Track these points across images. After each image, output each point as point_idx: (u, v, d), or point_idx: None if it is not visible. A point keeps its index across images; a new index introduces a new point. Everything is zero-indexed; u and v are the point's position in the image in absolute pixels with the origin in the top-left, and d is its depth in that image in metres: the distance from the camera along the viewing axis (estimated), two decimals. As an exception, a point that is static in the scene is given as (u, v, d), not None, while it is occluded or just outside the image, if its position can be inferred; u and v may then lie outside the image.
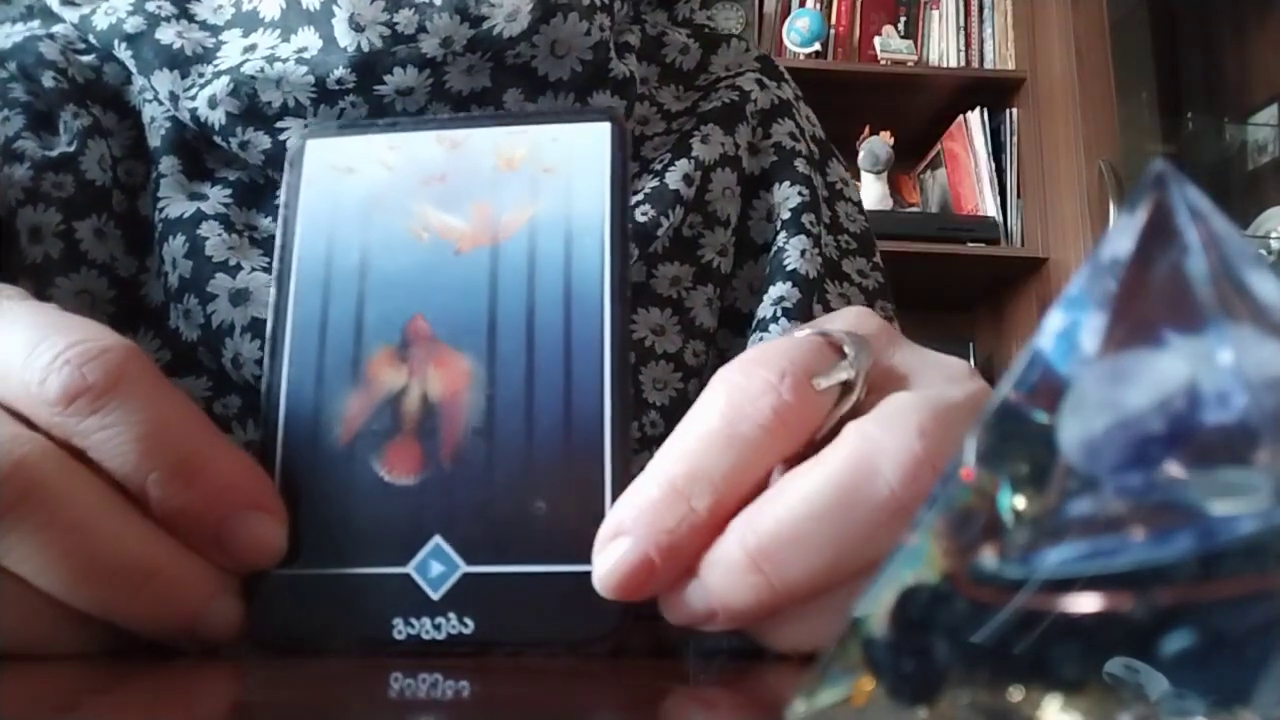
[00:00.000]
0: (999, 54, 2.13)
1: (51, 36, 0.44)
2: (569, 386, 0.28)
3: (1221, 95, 2.29)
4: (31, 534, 0.23)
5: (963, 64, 2.14)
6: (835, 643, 0.16)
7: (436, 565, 0.27)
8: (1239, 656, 0.14)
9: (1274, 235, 2.00)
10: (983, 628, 0.15)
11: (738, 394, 0.26)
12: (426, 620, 0.26)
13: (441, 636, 0.26)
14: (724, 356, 0.27)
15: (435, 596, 0.26)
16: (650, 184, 0.45)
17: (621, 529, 0.25)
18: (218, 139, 0.42)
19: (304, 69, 0.40)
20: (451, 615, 0.26)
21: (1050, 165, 2.01)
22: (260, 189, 0.43)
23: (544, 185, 0.30)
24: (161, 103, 0.43)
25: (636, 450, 0.41)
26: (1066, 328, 0.16)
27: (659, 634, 0.31)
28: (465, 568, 0.27)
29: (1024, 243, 2.03)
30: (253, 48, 0.42)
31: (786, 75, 0.54)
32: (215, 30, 0.44)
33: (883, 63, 2.11)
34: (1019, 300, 2.07)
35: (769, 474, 0.26)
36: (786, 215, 0.47)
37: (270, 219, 0.43)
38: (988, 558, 0.15)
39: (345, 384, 0.28)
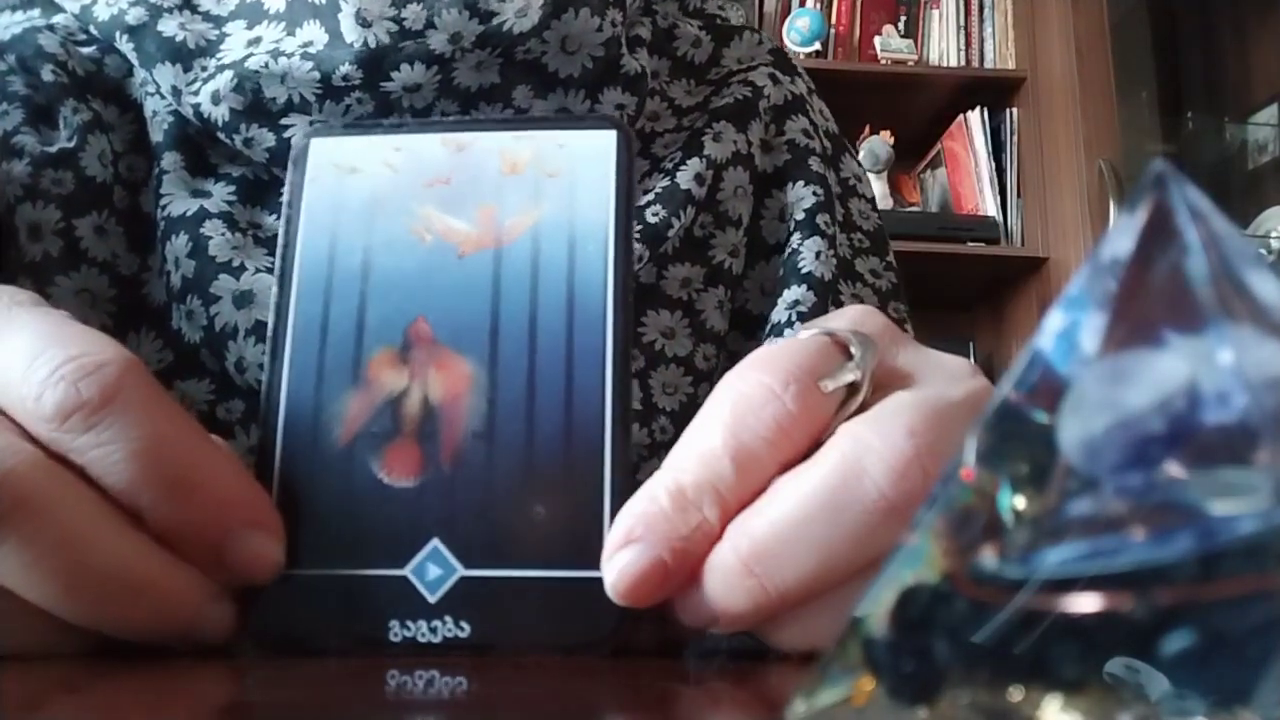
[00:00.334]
0: (999, 53, 2.13)
1: (51, 28, 0.43)
2: (570, 391, 0.28)
3: (1221, 95, 2.29)
4: (19, 549, 0.23)
5: (963, 63, 2.14)
6: (835, 643, 0.16)
7: (434, 568, 0.27)
8: (1239, 656, 0.14)
9: (1274, 235, 2.00)
10: (983, 628, 0.15)
11: (742, 404, 0.26)
12: (423, 623, 0.26)
13: (438, 640, 0.26)
14: (734, 360, 0.27)
15: (432, 599, 0.26)
16: (661, 183, 0.45)
17: (632, 536, 0.25)
18: (221, 135, 0.41)
19: (309, 65, 0.40)
20: (448, 618, 0.26)
21: (1050, 165, 2.01)
22: (265, 185, 0.43)
23: (548, 190, 0.30)
24: (164, 97, 0.42)
25: (646, 456, 0.41)
26: (1066, 328, 0.16)
27: (659, 634, 0.31)
28: (463, 571, 0.26)
29: (1024, 242, 2.03)
30: (257, 41, 0.42)
31: (800, 68, 0.53)
32: (219, 21, 0.43)
33: (883, 62, 2.11)
34: (1019, 300, 2.07)
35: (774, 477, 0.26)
36: (801, 216, 0.47)
37: (275, 217, 0.42)
38: (988, 558, 0.15)
39: (346, 385, 0.28)
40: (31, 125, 0.41)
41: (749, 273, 0.47)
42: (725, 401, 0.26)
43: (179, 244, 0.40)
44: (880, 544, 0.24)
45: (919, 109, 2.15)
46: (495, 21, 0.40)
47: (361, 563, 0.27)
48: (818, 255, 0.45)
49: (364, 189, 0.31)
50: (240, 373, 0.39)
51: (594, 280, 0.29)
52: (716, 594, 0.25)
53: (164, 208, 0.41)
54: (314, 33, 0.41)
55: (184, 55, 0.41)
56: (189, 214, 0.41)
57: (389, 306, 0.29)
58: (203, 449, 0.26)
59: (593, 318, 0.28)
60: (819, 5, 2.15)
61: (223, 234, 0.40)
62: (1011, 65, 2.11)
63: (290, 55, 0.40)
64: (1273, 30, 2.16)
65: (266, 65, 0.40)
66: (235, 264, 0.40)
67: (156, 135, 0.43)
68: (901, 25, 2.18)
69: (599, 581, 0.25)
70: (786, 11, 2.14)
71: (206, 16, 0.43)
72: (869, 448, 0.24)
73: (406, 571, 0.27)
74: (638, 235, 0.43)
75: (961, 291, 2.14)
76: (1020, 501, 0.15)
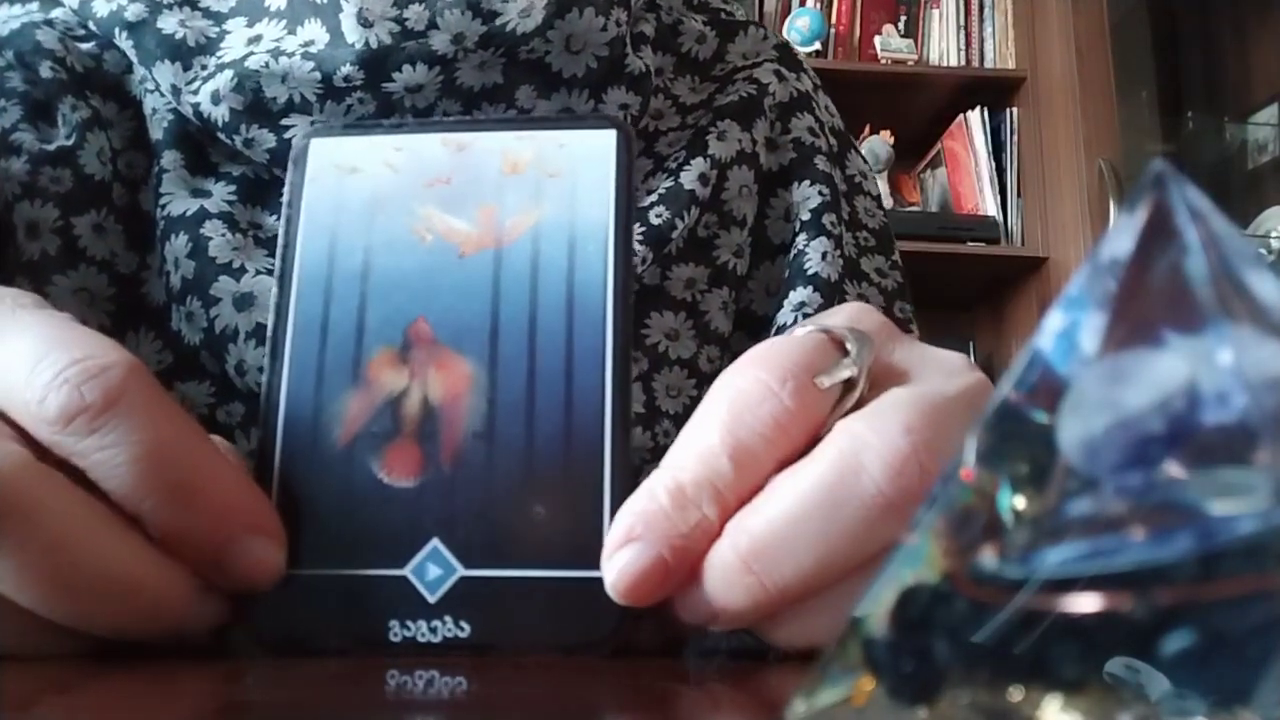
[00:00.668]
0: (999, 53, 2.13)
1: (50, 23, 0.43)
2: (570, 392, 0.28)
3: (1221, 95, 2.29)
4: (8, 554, 0.23)
5: (963, 63, 2.14)
6: (835, 642, 0.16)
7: (434, 568, 0.27)
8: (1239, 656, 0.14)
9: (1274, 235, 2.00)
10: (983, 628, 0.15)
11: (739, 401, 0.26)
12: (423, 623, 0.26)
13: (437, 640, 0.26)
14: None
15: (432, 599, 0.26)
16: (665, 184, 0.44)
17: (632, 535, 0.25)
18: (221, 135, 0.41)
19: (310, 65, 0.39)
20: (448, 618, 0.26)
21: (1050, 165, 2.01)
22: (265, 185, 0.42)
23: (549, 190, 0.30)
24: (163, 95, 0.42)
25: (649, 460, 0.41)
26: (1066, 328, 0.16)
27: (659, 634, 0.31)
28: (463, 571, 0.26)
29: (1024, 242, 2.03)
30: (257, 39, 0.41)
31: (805, 65, 0.53)
32: (219, 18, 0.43)
33: (883, 62, 2.11)
34: (1019, 300, 2.07)
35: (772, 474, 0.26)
36: (807, 216, 0.46)
37: (275, 217, 0.42)
38: (988, 558, 0.15)
39: (346, 385, 0.28)
40: (30, 122, 0.41)
41: (754, 273, 0.47)
42: (723, 399, 0.26)
43: (179, 244, 0.40)
44: (878, 540, 0.24)
45: (919, 109, 2.15)
46: (498, 22, 0.39)
47: (361, 563, 0.27)
48: (824, 256, 0.45)
49: (364, 189, 0.31)
50: (240, 375, 0.39)
51: (594, 280, 0.29)
52: (716, 591, 0.25)
53: (164, 207, 0.41)
54: (315, 32, 0.40)
55: (184, 53, 0.41)
56: (189, 214, 0.40)
57: (389, 306, 0.29)
58: (205, 454, 0.26)
59: (593, 318, 0.28)
60: (819, 5, 2.15)
61: (223, 234, 0.40)
62: (1011, 65, 2.11)
63: (291, 55, 0.40)
64: (1273, 30, 2.16)
65: (267, 65, 0.40)
66: (235, 265, 0.40)
67: (156, 133, 0.42)
68: (901, 25, 2.18)
69: (599, 581, 0.25)
70: (787, 11, 2.14)
71: (207, 13, 0.43)
72: (866, 444, 0.24)
73: (406, 571, 0.27)
74: (641, 237, 0.42)
75: (961, 291, 2.14)
76: (1020, 501, 0.15)
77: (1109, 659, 0.14)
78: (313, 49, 0.40)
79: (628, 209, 0.30)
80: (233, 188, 0.42)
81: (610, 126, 0.31)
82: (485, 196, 0.30)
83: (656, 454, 0.42)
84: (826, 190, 0.47)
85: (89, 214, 0.40)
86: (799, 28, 2.10)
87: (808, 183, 0.47)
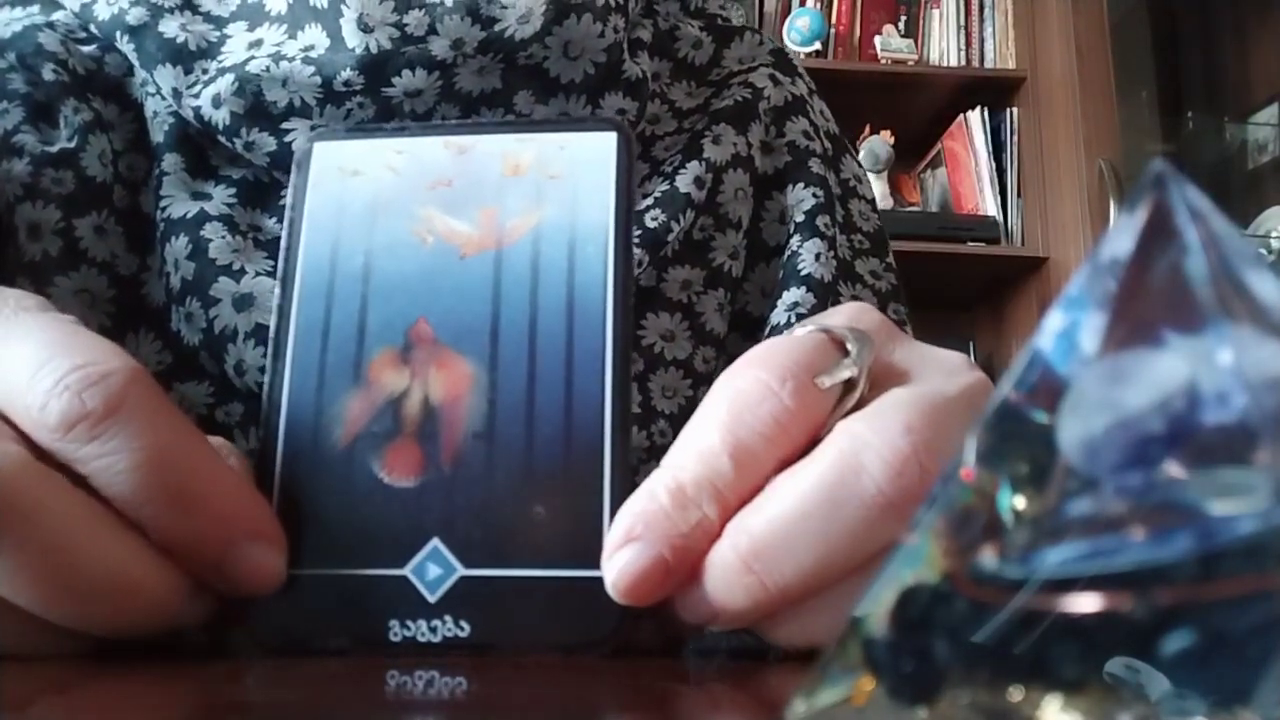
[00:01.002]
0: (999, 53, 2.13)
1: (51, 25, 0.43)
2: (570, 392, 0.28)
3: (1221, 95, 2.29)
4: (7, 554, 0.23)
5: (963, 63, 2.14)
6: (835, 642, 0.16)
7: (434, 568, 0.27)
8: (1239, 656, 0.14)
9: (1274, 235, 2.00)
10: (983, 628, 0.15)
11: (740, 401, 0.26)
12: (423, 623, 0.26)
13: (438, 639, 0.26)
14: (733, 362, 0.27)
15: (432, 599, 0.26)
16: (661, 188, 0.45)
17: (632, 535, 0.25)
18: (222, 139, 0.41)
19: (310, 69, 0.40)
20: (448, 618, 0.26)
21: (1050, 165, 2.01)
22: (265, 188, 0.43)
23: (549, 192, 0.30)
24: (164, 98, 0.42)
25: (645, 459, 0.41)
26: (1066, 328, 0.16)
27: (659, 634, 0.31)
28: (463, 571, 0.27)
29: (1024, 242, 2.03)
30: (258, 43, 0.42)
31: (800, 69, 0.53)
32: (220, 23, 0.43)
33: (883, 62, 2.11)
34: (1019, 300, 2.07)
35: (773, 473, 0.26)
36: (801, 218, 0.47)
37: (275, 220, 0.42)
38: (988, 558, 0.15)
39: (347, 385, 0.28)
40: (32, 124, 0.41)
41: (749, 275, 0.47)
42: (723, 399, 0.26)
43: (179, 246, 0.40)
44: (878, 540, 0.24)
45: (919, 109, 2.15)
46: (497, 28, 0.40)
47: (362, 562, 0.27)
48: (817, 257, 0.45)
49: (366, 191, 0.31)
50: (240, 375, 0.39)
51: (594, 282, 0.29)
52: (716, 591, 0.25)
53: (164, 209, 0.41)
54: (315, 36, 0.41)
55: (185, 57, 0.41)
56: (189, 216, 0.41)
57: (390, 308, 0.29)
58: (205, 460, 0.26)
59: (593, 319, 0.28)
60: (819, 5, 2.15)
61: (223, 237, 0.40)
62: (1011, 65, 2.11)
63: (291, 59, 0.40)
64: (1273, 30, 2.16)
65: (268, 69, 0.40)
66: (235, 267, 0.40)
67: (157, 136, 0.43)
68: (901, 25, 2.18)
69: (599, 580, 0.25)
70: (786, 11, 2.14)
71: (208, 17, 0.43)
72: (866, 444, 0.24)
73: (406, 571, 0.27)
74: (637, 239, 0.43)
75: (961, 291, 2.14)
76: (1020, 501, 0.15)
77: (1109, 659, 0.14)
78: (313, 53, 0.40)
79: (628, 211, 0.30)
80: (233, 190, 0.42)
81: (611, 129, 0.31)
82: (486, 198, 0.30)
83: (653, 453, 0.42)
84: (820, 192, 0.47)
85: (90, 216, 0.41)
86: (799, 28, 2.10)
87: (802, 185, 0.47)
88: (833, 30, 2.14)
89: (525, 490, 0.27)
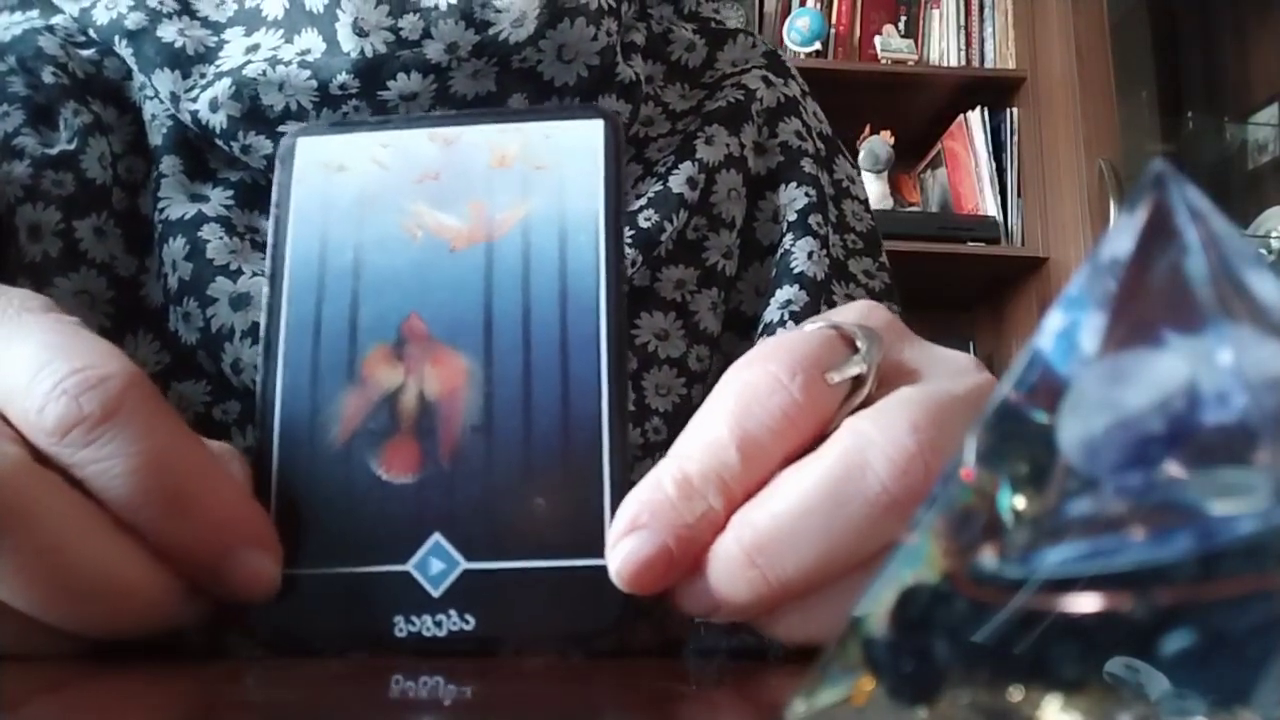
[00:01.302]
0: (999, 53, 2.13)
1: (51, 29, 0.43)
2: (566, 382, 0.28)
3: (1221, 95, 2.29)
4: (2, 556, 0.23)
5: (963, 63, 2.14)
6: (835, 642, 0.16)
7: (436, 563, 0.27)
8: (1239, 656, 0.14)
9: (1274, 235, 2.00)
10: (983, 628, 0.15)
11: (748, 393, 0.26)
12: (428, 618, 0.26)
13: (443, 634, 0.26)
14: (728, 361, 0.27)
15: (436, 594, 0.26)
16: (654, 188, 0.45)
17: (637, 524, 0.25)
18: (219, 142, 0.41)
19: (307, 73, 0.40)
20: (452, 612, 0.26)
21: (1050, 165, 2.01)
22: (263, 190, 0.43)
23: (537, 183, 0.30)
24: (162, 101, 0.42)
25: (639, 457, 0.41)
26: (1066, 328, 0.16)
27: (659, 633, 0.31)
28: (465, 565, 0.27)
29: (1024, 242, 2.03)
30: (255, 48, 0.42)
31: (793, 71, 0.53)
32: (217, 28, 0.43)
33: (883, 62, 2.11)
34: (1019, 300, 2.07)
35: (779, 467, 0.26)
36: (793, 217, 0.47)
37: None
38: (988, 558, 0.15)
39: (341, 383, 0.28)
40: (32, 126, 0.41)
41: (743, 274, 0.48)
42: (732, 391, 0.26)
43: (176, 247, 0.40)
44: (881, 538, 0.24)
45: (919, 109, 2.15)
46: (491, 31, 0.40)
47: (364, 560, 0.27)
48: (810, 255, 0.46)
49: (353, 187, 0.31)
50: (236, 374, 0.39)
51: (586, 270, 0.29)
52: (718, 583, 0.25)
53: (162, 211, 0.41)
54: (311, 41, 0.41)
55: (183, 62, 0.41)
56: (187, 217, 0.41)
57: (382, 304, 0.29)
58: (202, 466, 0.26)
59: (586, 308, 0.28)
60: (819, 5, 2.15)
61: (220, 238, 0.40)
62: (1011, 65, 2.11)
63: (288, 63, 0.40)
64: (1273, 30, 2.16)
65: (264, 73, 0.40)
66: (232, 267, 0.40)
67: (155, 138, 0.43)
68: (901, 25, 2.18)
69: (603, 570, 0.25)
70: (786, 11, 2.14)
71: (205, 23, 0.43)
72: (872, 442, 0.24)
73: (409, 567, 0.27)
74: (630, 240, 0.43)
75: (961, 291, 2.14)
76: (1020, 501, 0.15)
77: (1109, 659, 0.14)
78: (309, 58, 0.40)
79: (617, 199, 0.30)
80: (230, 193, 0.42)
81: (597, 116, 0.31)
82: (474, 191, 0.30)
83: (647, 450, 0.42)
84: (813, 192, 0.47)
85: (90, 217, 0.41)
86: (799, 28, 2.10)
87: (794, 185, 0.48)
88: (833, 30, 2.14)
89: (525, 482, 0.27)
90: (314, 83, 0.40)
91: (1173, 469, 0.14)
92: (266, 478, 0.28)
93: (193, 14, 0.43)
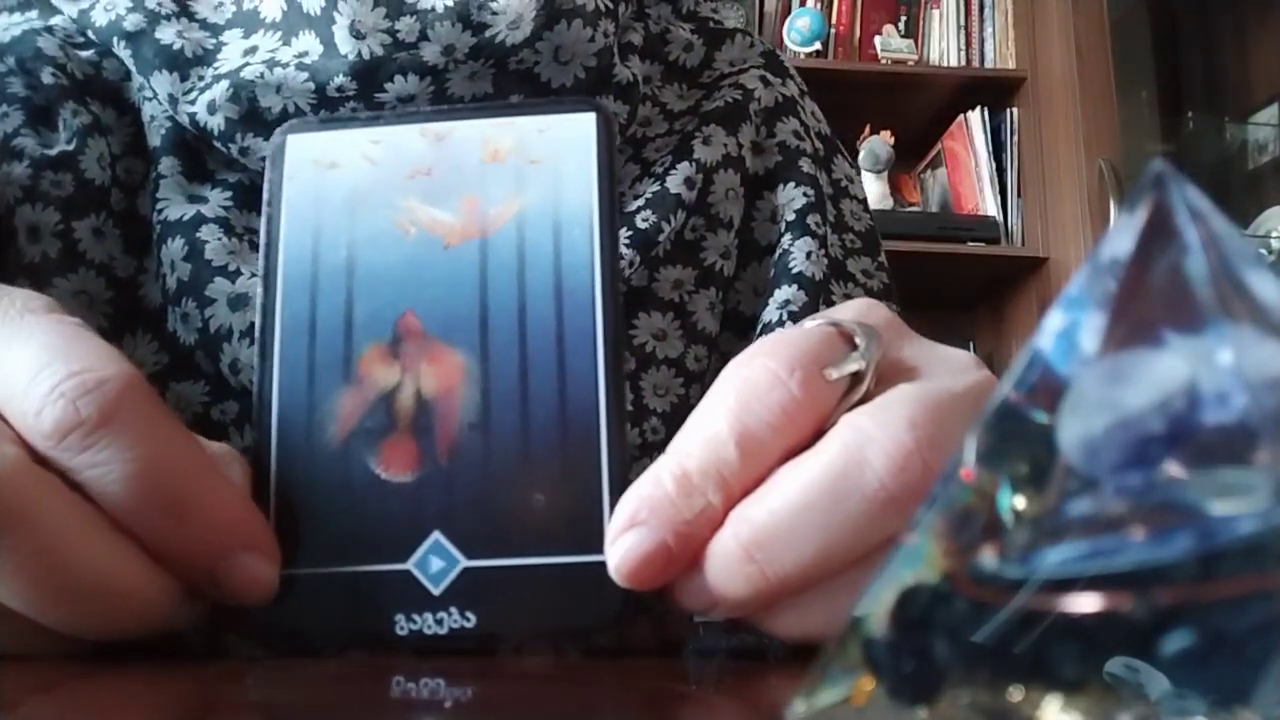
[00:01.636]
0: (999, 53, 2.13)
1: (50, 30, 0.43)
2: (563, 378, 0.28)
3: (1221, 95, 2.29)
4: (2, 558, 0.23)
5: (963, 63, 2.14)
6: (835, 642, 0.16)
7: (436, 561, 0.27)
8: (1239, 656, 0.14)
9: (1274, 235, 2.00)
10: (983, 628, 0.15)
11: (747, 389, 0.26)
12: (428, 615, 0.26)
13: (444, 631, 0.26)
14: (726, 361, 0.27)
15: (436, 592, 0.26)
16: (651, 188, 0.45)
17: (637, 519, 0.25)
18: (217, 144, 0.41)
19: (304, 75, 0.40)
20: (453, 610, 0.26)
21: (1050, 165, 2.01)
22: (261, 192, 0.43)
23: (531, 177, 0.30)
24: (161, 103, 0.43)
25: (637, 456, 0.41)
26: (1066, 328, 0.16)
27: (659, 632, 0.31)
28: (465, 562, 0.27)
29: (1024, 242, 2.03)
30: (253, 50, 0.42)
31: (791, 71, 0.53)
32: (216, 30, 0.43)
33: (883, 62, 2.11)
34: (1019, 300, 2.07)
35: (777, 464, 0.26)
36: (791, 217, 0.47)
37: None
38: (988, 558, 0.15)
39: (337, 382, 0.28)
40: (31, 127, 0.41)
41: (741, 274, 0.48)
42: (731, 387, 0.26)
43: (175, 248, 0.40)
44: (879, 534, 0.24)
45: (919, 109, 2.15)
46: (488, 33, 0.40)
47: (363, 559, 0.27)
48: (808, 255, 0.46)
49: (344, 184, 0.30)
50: (234, 374, 0.39)
51: (581, 265, 0.29)
52: (717, 579, 0.25)
53: (160, 212, 0.41)
54: (309, 43, 0.41)
55: (181, 64, 0.42)
56: (185, 219, 0.41)
57: (377, 301, 0.29)
58: (199, 470, 0.25)
59: (582, 302, 0.28)
60: (819, 5, 2.15)
61: (219, 239, 0.40)
62: (1011, 65, 2.11)
63: (286, 66, 0.40)
64: (1273, 30, 2.16)
65: (262, 75, 0.40)
66: (231, 268, 0.40)
67: (154, 139, 0.43)
68: (902, 25, 2.18)
69: (602, 565, 0.25)
70: (786, 11, 2.14)
71: (204, 25, 0.43)
72: (870, 438, 0.25)
73: (409, 565, 0.27)
74: (628, 240, 0.43)
75: (961, 291, 2.14)
76: (1020, 501, 0.15)
77: (1109, 659, 0.14)
78: (307, 60, 0.40)
79: (611, 192, 0.30)
80: (229, 194, 0.42)
81: (589, 109, 0.31)
82: (467, 186, 0.30)
83: (645, 450, 0.42)
84: (811, 192, 0.47)
85: (89, 218, 0.41)
86: (799, 28, 2.10)
87: (793, 184, 0.48)
88: (833, 30, 2.14)
89: (523, 478, 0.27)
90: (311, 85, 0.40)
91: (1173, 469, 0.14)
92: (264, 478, 0.28)
93: (191, 16, 0.44)
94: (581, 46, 0.42)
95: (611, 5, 0.43)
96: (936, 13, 2.18)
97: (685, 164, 0.46)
